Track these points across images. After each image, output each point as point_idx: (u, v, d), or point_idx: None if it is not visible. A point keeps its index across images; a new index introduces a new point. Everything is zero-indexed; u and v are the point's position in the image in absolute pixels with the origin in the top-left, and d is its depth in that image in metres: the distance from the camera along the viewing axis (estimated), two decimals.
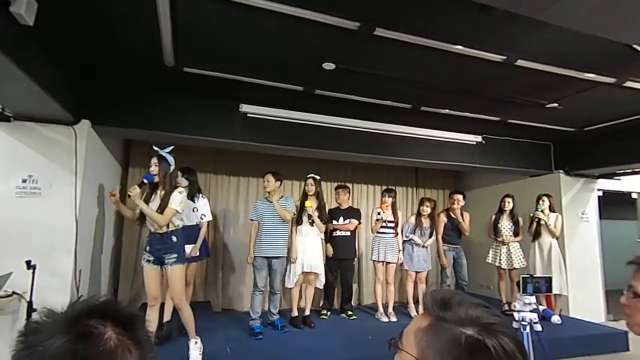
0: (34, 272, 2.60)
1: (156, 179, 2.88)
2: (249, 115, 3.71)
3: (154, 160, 2.90)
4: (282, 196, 3.91)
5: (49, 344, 0.50)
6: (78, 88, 3.06)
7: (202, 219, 3.70)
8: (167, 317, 3.40)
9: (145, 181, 2.87)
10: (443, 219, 4.71)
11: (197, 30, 2.50)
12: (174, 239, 2.86)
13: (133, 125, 3.44)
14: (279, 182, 3.80)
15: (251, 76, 3.22)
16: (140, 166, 4.64)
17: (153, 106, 3.49)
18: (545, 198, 4.51)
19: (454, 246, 4.68)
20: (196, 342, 2.90)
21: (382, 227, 4.36)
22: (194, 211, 3.64)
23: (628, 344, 3.60)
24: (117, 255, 4.39)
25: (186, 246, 3.26)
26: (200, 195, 3.78)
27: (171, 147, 2.97)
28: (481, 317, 0.58)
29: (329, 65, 2.91)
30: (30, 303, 2.57)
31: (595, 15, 1.74)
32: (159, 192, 2.88)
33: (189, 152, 4.07)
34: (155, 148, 2.97)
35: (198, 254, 3.64)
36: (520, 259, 4.54)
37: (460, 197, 4.74)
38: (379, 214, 4.37)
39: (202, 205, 3.74)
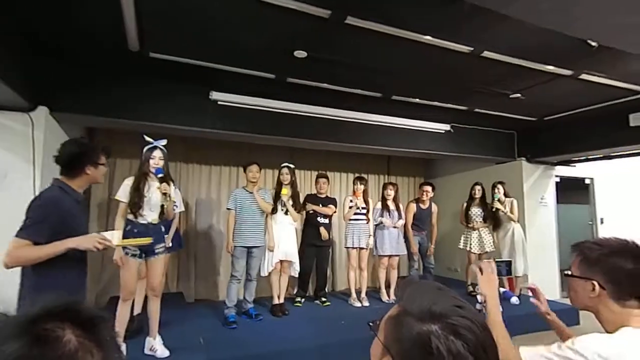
0: None
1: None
2: (219, 103, 3.63)
3: (159, 154, 2.82)
4: (260, 188, 3.89)
5: (2, 350, 0.47)
6: (33, 72, 2.87)
7: (174, 209, 3.61)
8: (137, 310, 3.33)
9: (159, 176, 2.80)
10: (412, 207, 4.85)
11: (163, 15, 2.40)
12: (163, 228, 2.91)
13: (95, 112, 3.28)
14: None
15: (222, 63, 3.14)
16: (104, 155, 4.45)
17: (117, 92, 3.33)
18: (499, 186, 4.70)
19: (420, 232, 4.85)
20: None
21: (355, 214, 4.44)
22: (175, 207, 3.54)
23: (579, 318, 3.91)
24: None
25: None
26: (174, 184, 3.68)
27: (165, 141, 2.90)
28: (444, 314, 0.59)
29: (300, 53, 2.88)
30: None
31: (555, 12, 1.82)
32: (155, 183, 2.79)
33: (152, 138, 3.93)
34: (148, 139, 2.86)
35: (171, 244, 3.57)
36: (490, 242, 4.77)
37: (430, 188, 4.89)
38: (351, 201, 4.44)
39: (175, 195, 3.64)
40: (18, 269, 1.72)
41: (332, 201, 4.56)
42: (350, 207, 4.43)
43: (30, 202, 1.65)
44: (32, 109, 2.97)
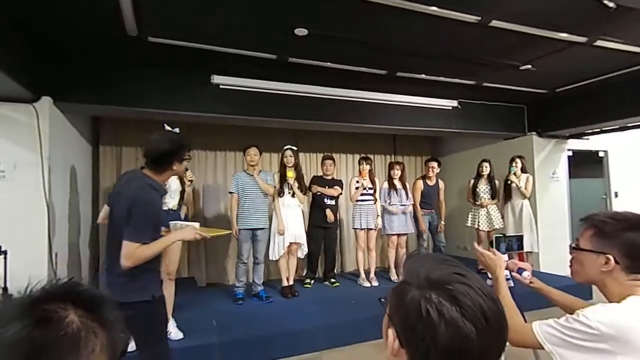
0: (5, 258, 2.52)
1: None
2: (221, 86, 3.58)
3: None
4: (260, 170, 3.88)
5: (4, 332, 0.47)
6: (35, 63, 2.86)
7: None
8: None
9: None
10: (420, 185, 4.80)
11: None
12: (181, 215, 3.03)
13: (98, 101, 3.27)
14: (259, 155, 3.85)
15: (222, 45, 3.08)
16: (111, 144, 4.47)
17: (119, 80, 3.31)
18: (518, 160, 4.64)
19: (429, 211, 4.81)
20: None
21: (362, 194, 4.41)
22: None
23: (592, 293, 3.87)
24: (95, 236, 4.29)
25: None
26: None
27: (178, 128, 2.86)
28: (442, 280, 0.57)
29: (301, 31, 2.80)
30: (4, 289, 2.51)
31: None
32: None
33: (157, 125, 3.91)
34: (168, 128, 2.81)
35: None
36: (499, 219, 4.73)
37: (435, 164, 4.83)
38: (357, 182, 4.41)
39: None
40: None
41: (338, 183, 4.54)
42: (357, 188, 4.40)
43: (134, 205, 1.68)
44: (36, 100, 2.96)
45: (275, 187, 3.92)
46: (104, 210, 1.93)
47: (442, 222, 4.89)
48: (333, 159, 4.57)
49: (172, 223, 1.90)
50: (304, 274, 4.68)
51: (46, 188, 2.93)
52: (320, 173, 4.59)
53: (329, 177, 4.49)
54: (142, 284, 1.75)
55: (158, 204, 1.79)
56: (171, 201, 2.80)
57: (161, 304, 1.85)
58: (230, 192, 3.84)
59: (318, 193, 4.37)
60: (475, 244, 1.46)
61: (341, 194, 4.56)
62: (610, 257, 1.01)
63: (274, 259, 4.04)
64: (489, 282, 2.76)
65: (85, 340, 0.50)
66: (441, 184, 4.90)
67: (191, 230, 1.86)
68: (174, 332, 2.88)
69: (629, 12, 2.36)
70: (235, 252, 3.85)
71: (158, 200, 1.79)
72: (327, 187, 4.41)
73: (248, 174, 3.81)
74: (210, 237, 2.04)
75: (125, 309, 1.50)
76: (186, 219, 3.86)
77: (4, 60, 2.34)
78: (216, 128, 4.60)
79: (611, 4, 2.36)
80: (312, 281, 4.54)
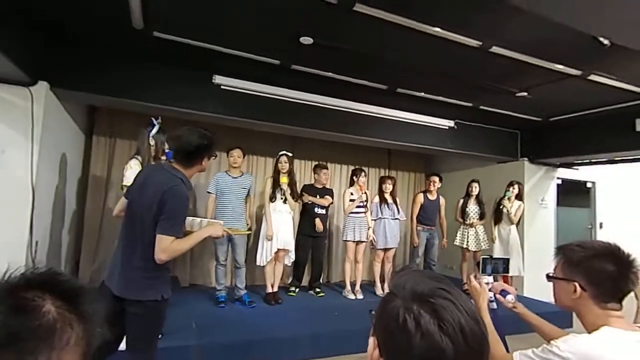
0: None
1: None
2: (222, 87, 3.59)
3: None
4: (242, 173, 3.87)
5: None
6: (35, 47, 2.83)
7: None
8: None
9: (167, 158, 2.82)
10: (420, 199, 4.82)
11: None
12: None
13: (97, 90, 3.24)
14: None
15: (227, 46, 3.09)
16: (105, 135, 4.42)
17: (120, 71, 3.29)
18: (516, 186, 4.68)
19: (429, 227, 4.79)
20: None
21: (356, 207, 4.41)
22: None
23: (572, 321, 3.91)
24: (80, 228, 4.21)
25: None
26: None
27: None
28: (426, 293, 0.58)
29: (306, 40, 2.83)
30: None
31: (568, 2, 1.77)
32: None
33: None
34: (156, 121, 2.81)
35: None
36: (485, 240, 4.78)
37: (437, 179, 4.86)
38: (352, 194, 4.41)
39: None
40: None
41: (329, 192, 4.54)
42: (352, 201, 4.39)
43: (169, 198, 1.66)
44: (33, 84, 2.92)
45: (250, 194, 3.93)
46: (122, 202, 1.88)
47: (445, 240, 4.89)
48: (327, 168, 4.58)
49: (188, 219, 1.89)
50: (289, 281, 4.64)
51: (33, 174, 2.88)
52: (311, 181, 4.59)
53: (320, 186, 4.49)
54: (157, 282, 1.73)
55: (188, 198, 1.79)
56: None
57: (166, 305, 1.82)
58: (209, 192, 3.81)
59: (310, 202, 4.36)
60: (472, 277, 1.50)
61: (332, 203, 4.56)
62: (577, 284, 1.05)
63: (261, 265, 4.00)
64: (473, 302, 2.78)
65: (60, 331, 0.49)
66: (442, 200, 4.89)
67: (219, 227, 1.89)
68: None
69: (622, 50, 2.45)
70: None
71: (188, 195, 1.79)
72: (318, 196, 4.41)
73: (230, 175, 3.79)
74: (234, 234, 2.03)
75: (136, 306, 1.52)
76: None
77: (1, 40, 2.30)
78: (213, 128, 4.52)
79: (605, 41, 2.44)
80: (297, 289, 4.51)
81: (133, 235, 1.71)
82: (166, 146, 2.77)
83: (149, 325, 1.74)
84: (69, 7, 2.63)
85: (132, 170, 2.64)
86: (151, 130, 2.74)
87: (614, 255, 1.04)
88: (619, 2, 1.69)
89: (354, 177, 4.49)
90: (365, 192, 4.48)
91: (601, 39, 2.44)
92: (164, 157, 2.73)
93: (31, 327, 0.48)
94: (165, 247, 1.64)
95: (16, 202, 2.82)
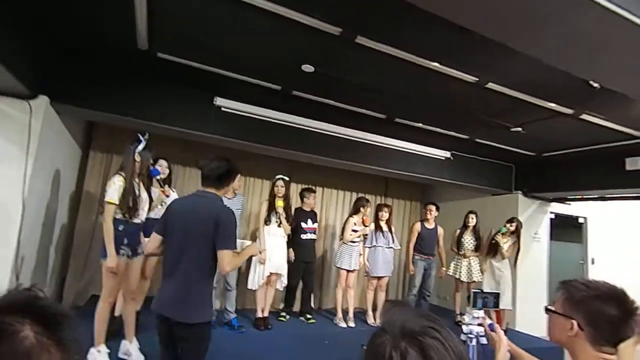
0: None
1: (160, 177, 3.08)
2: (223, 109, 3.63)
3: (165, 163, 3.36)
4: (235, 194, 3.86)
5: None
6: (38, 61, 2.84)
7: None
8: (118, 311, 3.24)
9: (156, 177, 2.96)
10: (417, 227, 4.79)
11: (175, 15, 2.41)
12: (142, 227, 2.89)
13: (97, 107, 3.25)
14: None
15: (229, 70, 3.16)
16: (102, 151, 4.41)
17: (121, 89, 3.32)
18: (514, 222, 4.61)
19: (426, 257, 4.72)
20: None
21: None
22: (161, 205, 3.49)
23: (563, 357, 3.84)
24: (69, 244, 4.13)
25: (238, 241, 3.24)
26: (171, 188, 3.63)
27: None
28: (415, 331, 0.59)
29: (308, 68, 2.91)
30: None
31: (561, 48, 1.85)
32: (144, 185, 2.78)
33: (152, 138, 3.91)
34: (143, 138, 2.78)
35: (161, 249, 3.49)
36: (478, 272, 4.73)
37: (434, 207, 4.83)
38: (355, 224, 4.38)
39: (172, 199, 3.56)
40: None
41: (315, 215, 4.54)
42: (354, 231, 4.36)
43: (223, 219, 1.89)
44: (33, 97, 2.93)
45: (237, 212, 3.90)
46: (156, 239, 1.98)
47: (444, 269, 4.81)
48: (315, 191, 4.57)
49: (238, 242, 2.08)
50: (280, 307, 4.54)
51: (25, 189, 2.84)
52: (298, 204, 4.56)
53: (309, 210, 4.48)
54: (208, 305, 1.93)
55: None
56: (143, 214, 2.74)
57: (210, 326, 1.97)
58: None
59: (301, 233, 4.32)
60: (487, 327, 1.50)
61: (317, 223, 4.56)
62: (575, 322, 1.04)
63: (252, 288, 3.92)
64: (462, 336, 2.73)
65: (37, 358, 0.49)
66: (440, 230, 4.84)
67: (256, 247, 2.20)
68: (135, 354, 2.72)
69: (611, 93, 2.54)
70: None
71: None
72: (311, 221, 4.40)
73: (225, 197, 3.78)
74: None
75: (189, 329, 1.66)
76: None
77: (4, 52, 2.31)
78: (209, 147, 4.58)
79: (596, 85, 2.54)
80: (288, 315, 4.41)
81: (184, 260, 1.85)
82: (151, 163, 2.79)
83: (201, 347, 1.89)
84: (76, 25, 2.69)
85: (115, 186, 2.58)
86: (137, 146, 2.70)
87: (619, 300, 1.01)
88: (606, 50, 1.77)
89: (361, 208, 4.42)
90: (369, 226, 4.45)
91: (591, 82, 2.54)
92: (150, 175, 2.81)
93: (8, 352, 0.47)
94: (229, 260, 1.86)
95: (5, 217, 2.77)
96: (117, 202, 2.57)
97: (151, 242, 2.00)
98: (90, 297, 3.95)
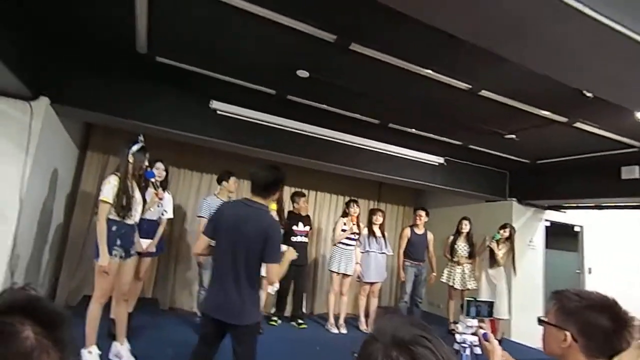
0: None
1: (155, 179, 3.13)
2: (218, 112, 3.66)
3: (162, 165, 3.35)
4: (229, 198, 3.87)
5: None
6: (39, 63, 2.88)
7: (163, 214, 3.55)
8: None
9: (151, 180, 3.02)
10: (407, 233, 4.76)
11: (174, 20, 2.45)
12: (136, 228, 2.89)
13: (96, 108, 3.28)
14: None
15: (225, 74, 3.19)
16: (99, 151, 4.44)
17: (120, 91, 3.35)
18: (507, 229, 4.61)
19: (417, 262, 4.68)
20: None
21: (347, 238, 4.39)
22: (158, 206, 3.49)
23: None
24: (63, 244, 4.13)
25: (143, 241, 3.19)
26: (166, 190, 3.63)
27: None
28: (406, 340, 0.59)
29: (303, 73, 2.94)
30: None
31: (547, 57, 1.87)
32: (137, 185, 2.77)
33: (149, 141, 3.93)
34: (141, 138, 2.80)
35: (155, 250, 3.49)
36: (472, 279, 4.70)
37: (423, 213, 4.80)
38: (345, 224, 4.39)
39: (167, 201, 3.56)
40: None
41: (309, 219, 4.55)
42: (344, 230, 4.38)
43: (273, 233, 2.02)
44: (34, 98, 2.95)
45: None
46: (204, 241, 2.08)
47: (434, 274, 4.76)
48: (305, 195, 4.58)
49: None
50: (271, 311, 4.53)
51: (23, 188, 2.86)
52: (290, 208, 4.55)
53: (304, 214, 4.48)
54: (257, 306, 2.09)
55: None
56: (136, 215, 2.75)
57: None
58: (200, 216, 3.76)
59: (292, 235, 4.31)
60: (481, 336, 1.49)
61: (311, 229, 4.54)
62: (568, 333, 1.03)
63: None
64: (455, 345, 2.72)
65: (37, 358, 0.50)
66: (430, 235, 4.82)
67: (294, 252, 2.24)
68: (125, 356, 2.72)
69: (604, 102, 2.55)
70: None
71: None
72: (302, 224, 4.40)
73: (220, 199, 3.77)
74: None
75: (242, 330, 1.95)
76: (161, 239, 3.77)
77: (5, 52, 2.33)
78: (203, 150, 4.60)
79: (589, 94, 2.56)
80: (279, 319, 4.39)
81: (234, 266, 1.97)
82: (146, 164, 2.79)
83: (254, 345, 2.06)
84: (77, 28, 2.72)
85: (110, 185, 2.58)
86: (131, 147, 2.72)
87: (612, 310, 1.01)
88: (597, 61, 1.79)
89: (349, 209, 4.46)
90: (358, 224, 4.46)
91: (584, 91, 2.56)
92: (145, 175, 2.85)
93: (9, 353, 0.48)
94: (277, 272, 2.04)
95: (2, 215, 2.78)
96: (111, 201, 2.58)
97: (200, 243, 2.13)
98: (83, 297, 3.95)
